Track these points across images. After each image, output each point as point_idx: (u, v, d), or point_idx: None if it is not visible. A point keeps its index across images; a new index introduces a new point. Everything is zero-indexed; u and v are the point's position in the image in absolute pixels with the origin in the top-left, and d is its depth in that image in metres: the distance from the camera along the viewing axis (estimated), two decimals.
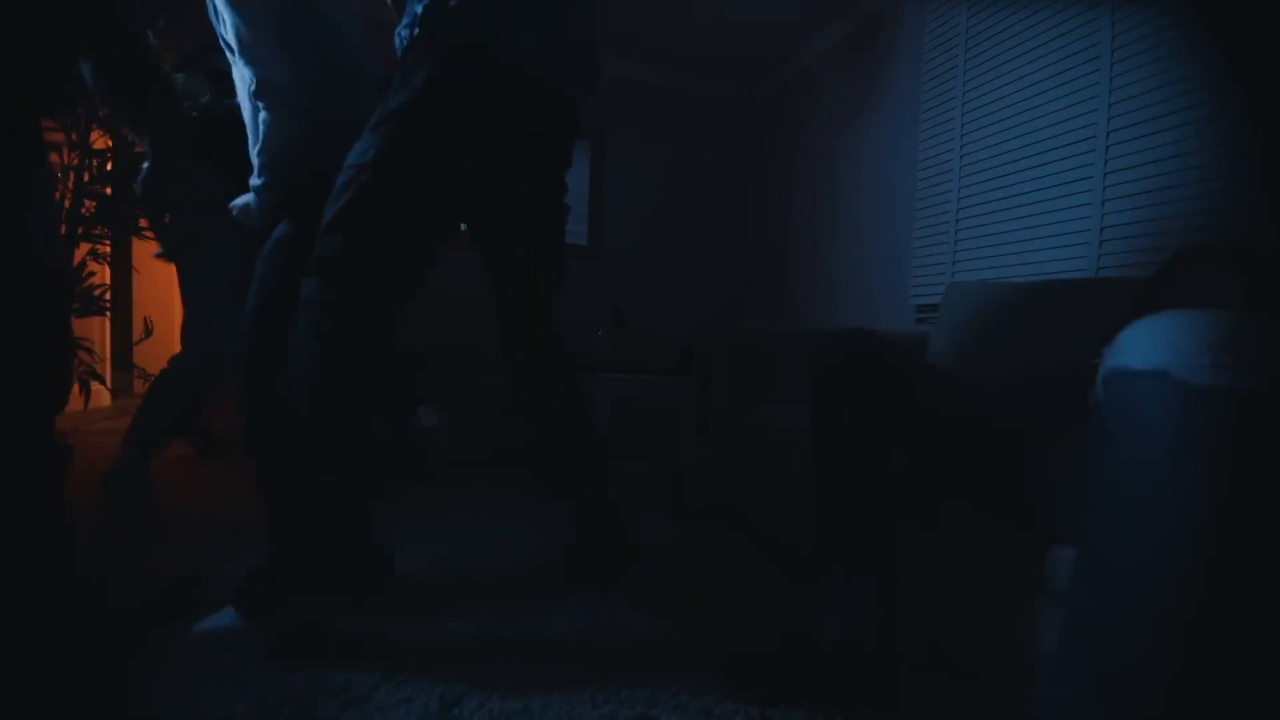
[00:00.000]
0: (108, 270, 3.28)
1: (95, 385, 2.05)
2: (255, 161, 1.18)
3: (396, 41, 1.07)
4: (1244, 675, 0.40)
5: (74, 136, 1.76)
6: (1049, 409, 0.82)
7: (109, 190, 1.93)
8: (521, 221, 1.16)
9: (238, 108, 1.24)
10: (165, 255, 1.75)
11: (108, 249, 2.00)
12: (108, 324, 3.52)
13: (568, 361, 1.25)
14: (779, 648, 0.92)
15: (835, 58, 2.82)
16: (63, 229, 1.82)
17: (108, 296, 2.01)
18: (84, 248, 1.93)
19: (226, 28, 1.10)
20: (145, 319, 2.72)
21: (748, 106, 3.54)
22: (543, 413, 1.24)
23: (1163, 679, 0.41)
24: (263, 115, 1.13)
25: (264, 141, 1.14)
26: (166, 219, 1.71)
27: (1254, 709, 0.39)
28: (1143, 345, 0.48)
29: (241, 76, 1.16)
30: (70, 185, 1.80)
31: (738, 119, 3.55)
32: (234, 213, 1.30)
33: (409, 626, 1.05)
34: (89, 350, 1.93)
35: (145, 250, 2.31)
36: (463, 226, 1.16)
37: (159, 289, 3.19)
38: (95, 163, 1.84)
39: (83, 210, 1.86)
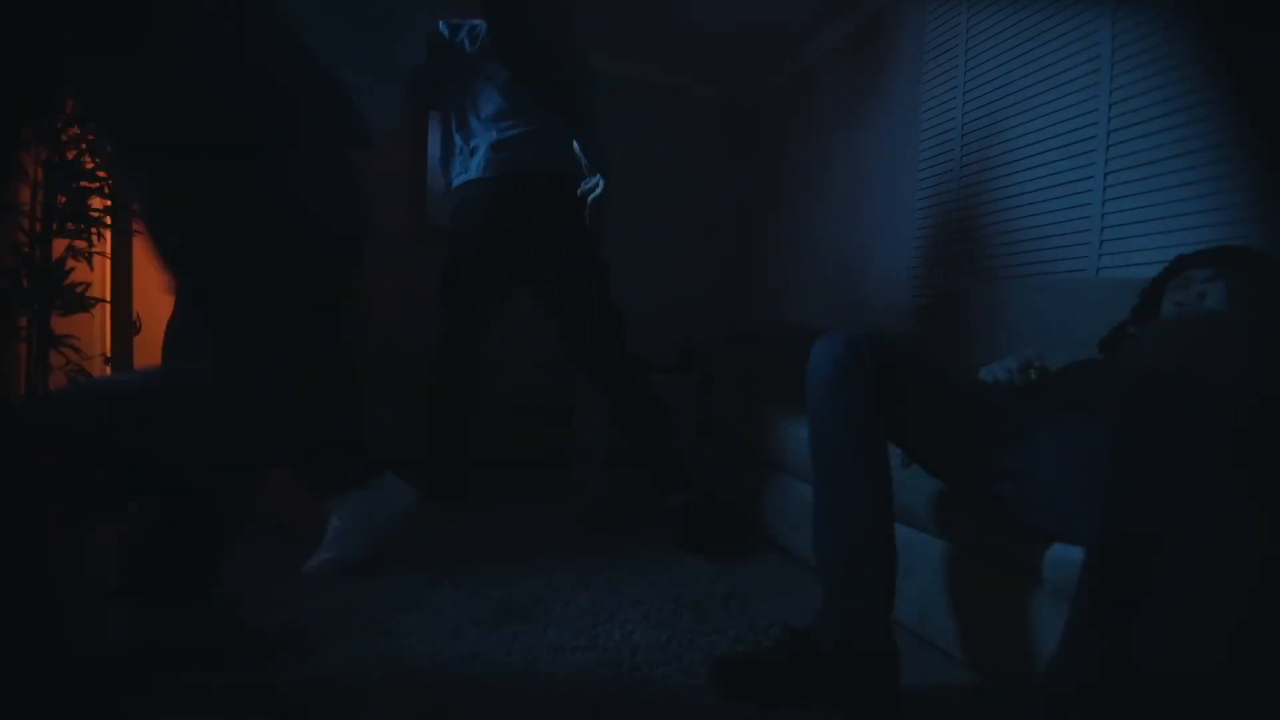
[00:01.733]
0: (107, 265, 3.28)
1: None
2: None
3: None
4: (1258, 675, 0.40)
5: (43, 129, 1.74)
6: (1052, 408, 0.82)
7: (84, 182, 1.93)
8: (563, 282, 1.68)
9: None
10: None
11: (85, 244, 1.99)
12: (107, 322, 3.52)
13: (633, 375, 1.68)
14: (778, 648, 0.92)
15: (835, 58, 2.82)
16: (38, 225, 1.81)
17: (90, 293, 2.00)
18: (62, 242, 1.92)
19: None
20: (135, 314, 2.70)
21: (748, 106, 3.54)
22: (613, 412, 1.71)
23: (1172, 676, 0.41)
24: None
25: None
26: None
27: (1264, 709, 0.39)
28: (1165, 347, 0.48)
29: None
30: (41, 179, 1.79)
31: (738, 119, 3.55)
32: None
33: (405, 624, 1.06)
34: (75, 349, 1.93)
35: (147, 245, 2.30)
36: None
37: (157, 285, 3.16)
38: (70, 154, 1.83)
39: (59, 199, 1.85)
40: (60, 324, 1.91)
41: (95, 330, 3.12)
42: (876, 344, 0.90)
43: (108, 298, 3.16)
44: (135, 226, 2.04)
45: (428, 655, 0.95)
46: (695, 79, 3.35)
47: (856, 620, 0.87)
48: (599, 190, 1.71)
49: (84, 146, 1.86)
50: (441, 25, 1.69)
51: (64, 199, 1.88)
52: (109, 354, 3.11)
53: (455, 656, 0.97)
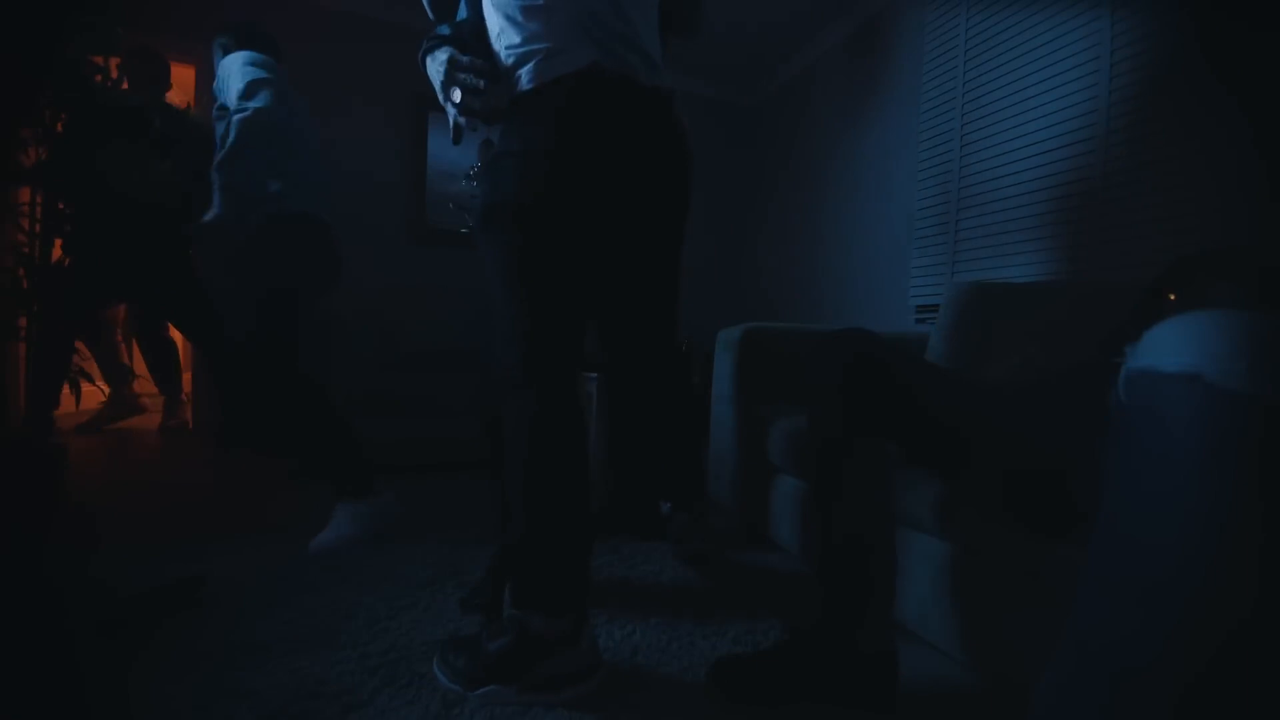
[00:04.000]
0: None
1: (88, 386, 2.05)
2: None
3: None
4: (1255, 691, 0.39)
5: (40, 129, 1.74)
6: (1054, 410, 0.82)
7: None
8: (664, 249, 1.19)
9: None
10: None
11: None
12: None
13: (681, 375, 1.33)
14: (778, 648, 0.92)
15: (835, 58, 2.82)
16: (37, 226, 1.82)
17: None
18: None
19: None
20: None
21: (748, 106, 3.54)
22: (649, 414, 1.35)
23: (1171, 688, 0.40)
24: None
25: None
26: None
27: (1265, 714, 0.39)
28: (1173, 346, 0.46)
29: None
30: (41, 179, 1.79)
31: (738, 119, 3.55)
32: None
33: (406, 624, 1.06)
34: (75, 349, 1.94)
35: None
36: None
37: None
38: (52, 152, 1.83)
39: (60, 206, 1.85)
40: None
41: None
42: (874, 345, 0.90)
43: None
44: None
45: (429, 655, 0.95)
46: (696, 79, 3.35)
47: (856, 620, 0.87)
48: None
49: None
50: None
51: (63, 206, 1.89)
52: None
53: None
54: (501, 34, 0.95)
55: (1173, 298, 0.71)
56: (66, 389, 1.96)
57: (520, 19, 0.92)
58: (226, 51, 1.54)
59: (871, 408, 0.89)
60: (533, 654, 0.85)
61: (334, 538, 1.44)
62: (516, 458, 0.89)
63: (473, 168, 3.13)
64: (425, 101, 2.94)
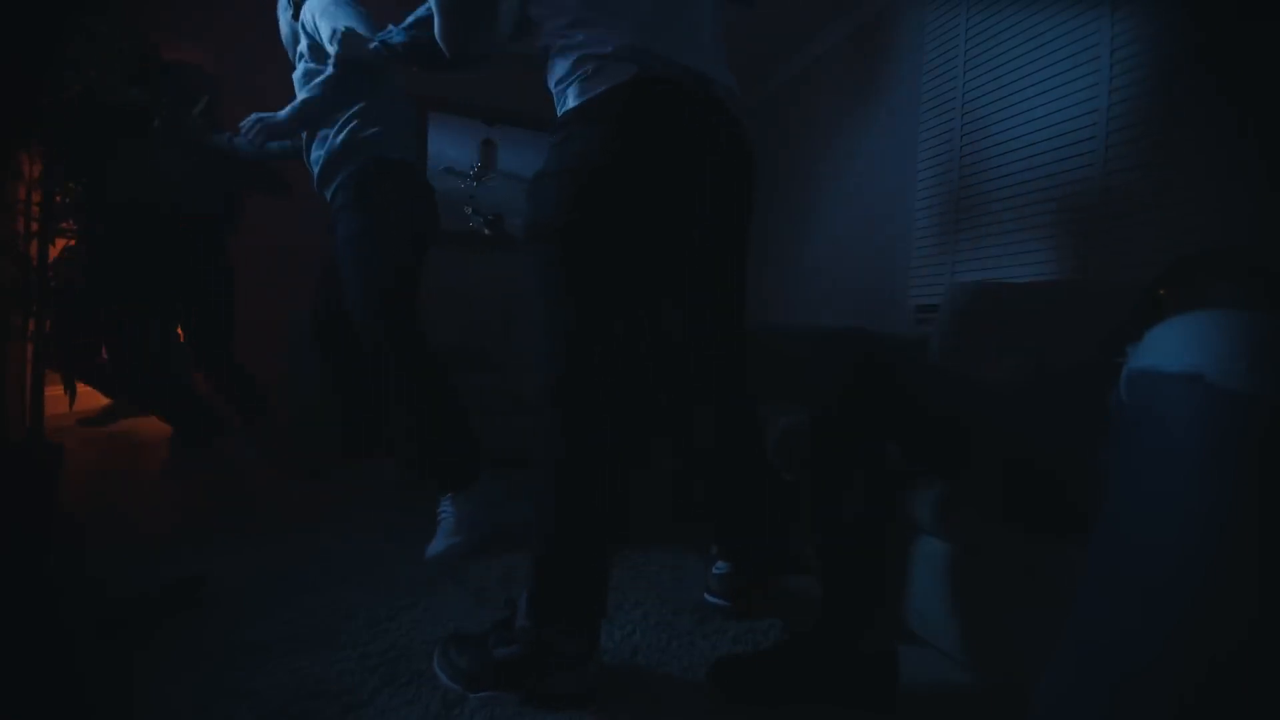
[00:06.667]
0: None
1: (84, 385, 2.05)
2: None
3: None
4: (1255, 690, 0.39)
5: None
6: (1054, 410, 0.82)
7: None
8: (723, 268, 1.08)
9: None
10: None
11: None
12: None
13: (748, 395, 1.16)
14: (778, 648, 0.92)
15: (836, 57, 2.82)
16: (34, 225, 1.81)
17: None
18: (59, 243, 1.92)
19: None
20: None
21: (748, 106, 3.53)
22: (720, 444, 1.15)
23: (1171, 689, 0.40)
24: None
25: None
26: None
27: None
28: (1175, 346, 0.46)
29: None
30: (38, 179, 1.78)
31: None
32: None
33: (407, 624, 1.06)
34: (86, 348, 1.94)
35: None
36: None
37: None
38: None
39: (56, 200, 1.84)
40: None
41: None
42: (876, 346, 0.90)
43: None
44: None
45: (429, 655, 0.95)
46: None
47: (856, 620, 0.87)
48: None
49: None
50: None
51: (60, 199, 1.88)
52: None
53: None
54: (552, 69, 0.97)
55: (1174, 298, 0.71)
56: (61, 389, 1.95)
57: (563, 50, 0.93)
58: None
59: (872, 408, 0.90)
60: (541, 667, 0.86)
61: (444, 548, 1.38)
62: (549, 474, 0.88)
63: (473, 167, 3.13)
64: (425, 100, 2.94)
